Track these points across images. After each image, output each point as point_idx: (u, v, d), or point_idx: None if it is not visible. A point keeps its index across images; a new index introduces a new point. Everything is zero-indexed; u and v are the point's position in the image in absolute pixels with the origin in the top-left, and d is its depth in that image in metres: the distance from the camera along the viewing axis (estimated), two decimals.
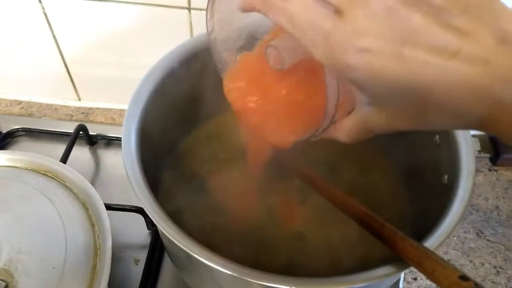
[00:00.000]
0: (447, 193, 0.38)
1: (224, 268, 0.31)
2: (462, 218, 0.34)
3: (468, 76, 0.21)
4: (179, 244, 0.32)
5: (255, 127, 0.38)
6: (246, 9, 0.28)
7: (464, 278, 0.26)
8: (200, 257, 0.31)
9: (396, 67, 0.22)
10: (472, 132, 0.41)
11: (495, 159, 0.39)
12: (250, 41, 0.37)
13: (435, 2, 0.22)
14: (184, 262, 0.42)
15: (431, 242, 0.32)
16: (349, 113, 0.29)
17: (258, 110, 0.37)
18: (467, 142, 0.39)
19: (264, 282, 0.30)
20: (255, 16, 0.29)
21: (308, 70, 0.34)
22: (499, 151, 0.38)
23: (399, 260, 0.32)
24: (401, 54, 0.22)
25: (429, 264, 0.29)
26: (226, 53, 0.38)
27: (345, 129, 0.30)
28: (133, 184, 0.35)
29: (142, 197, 0.34)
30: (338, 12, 0.23)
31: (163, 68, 0.44)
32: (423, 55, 0.22)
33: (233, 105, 0.38)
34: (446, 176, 0.40)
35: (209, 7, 0.33)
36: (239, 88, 0.38)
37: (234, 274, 0.30)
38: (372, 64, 0.22)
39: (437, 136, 0.43)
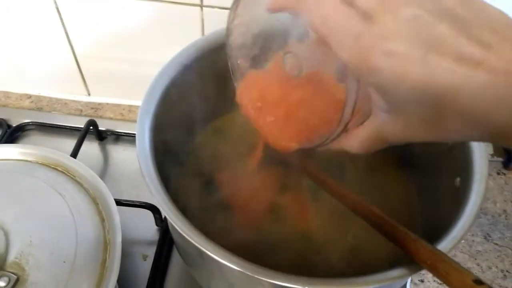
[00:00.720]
0: (459, 196, 0.38)
1: (237, 266, 0.31)
2: (474, 222, 0.34)
3: (491, 84, 0.22)
4: (192, 241, 0.32)
5: (263, 132, 0.40)
6: (275, 9, 0.29)
7: (478, 282, 0.27)
8: (214, 254, 0.32)
9: (421, 72, 0.22)
10: None
11: (507, 163, 0.39)
12: (264, 52, 0.38)
13: (461, 15, 0.23)
14: (195, 259, 0.42)
15: (444, 245, 0.32)
16: (362, 124, 0.29)
17: (267, 119, 0.39)
18: (480, 145, 0.39)
19: (277, 281, 0.30)
20: (273, 25, 0.29)
21: (318, 84, 0.35)
22: None
23: (412, 262, 0.32)
24: (427, 59, 0.22)
25: (443, 267, 0.29)
26: (240, 60, 0.38)
27: (358, 139, 0.30)
28: (147, 181, 0.35)
29: (157, 194, 0.35)
30: (367, 17, 0.24)
31: (176, 65, 0.45)
32: (448, 62, 0.22)
33: (244, 113, 0.40)
34: (458, 179, 0.40)
35: (233, 9, 0.34)
36: (251, 99, 0.38)
37: (247, 273, 0.31)
38: (398, 68, 0.23)
39: None
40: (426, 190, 0.48)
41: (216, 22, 0.58)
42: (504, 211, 0.64)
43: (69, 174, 0.54)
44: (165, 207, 0.34)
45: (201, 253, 0.33)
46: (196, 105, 0.51)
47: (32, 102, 0.73)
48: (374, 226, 0.36)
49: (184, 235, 0.33)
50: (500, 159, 0.39)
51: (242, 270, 0.31)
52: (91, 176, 0.53)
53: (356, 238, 0.46)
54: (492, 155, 0.39)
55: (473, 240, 0.61)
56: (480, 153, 0.39)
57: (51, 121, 0.68)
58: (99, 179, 0.53)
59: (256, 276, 0.31)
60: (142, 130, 0.39)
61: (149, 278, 0.52)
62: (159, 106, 0.43)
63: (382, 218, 0.35)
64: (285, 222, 0.48)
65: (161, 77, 0.43)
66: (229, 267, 0.32)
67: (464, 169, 0.39)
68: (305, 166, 0.49)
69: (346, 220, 0.47)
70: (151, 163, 0.37)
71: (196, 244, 0.32)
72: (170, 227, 0.47)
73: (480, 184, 0.36)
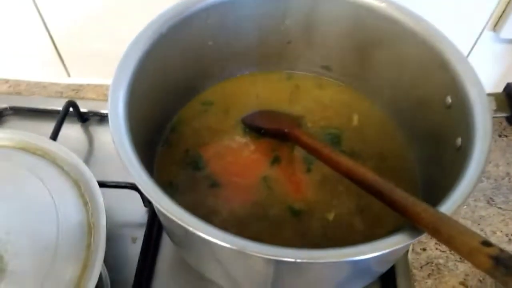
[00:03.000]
0: (460, 157, 0.36)
1: (221, 241, 0.28)
2: (479, 181, 0.31)
3: None
4: (172, 217, 0.30)
5: None
6: None
7: (486, 243, 0.24)
8: (196, 230, 0.29)
9: None
10: (488, 90, 0.38)
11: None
12: None
13: None
14: (181, 238, 0.39)
15: (447, 208, 0.30)
16: None
17: None
18: (482, 101, 0.36)
19: (265, 255, 0.28)
20: None
21: None
22: None
23: (412, 228, 0.30)
24: None
25: (447, 231, 0.26)
26: None
27: None
28: (120, 153, 0.32)
29: (129, 166, 0.32)
30: None
31: (151, 33, 0.41)
32: None
33: None
34: (459, 139, 0.37)
35: None
36: None
37: (232, 247, 0.28)
38: None
39: (448, 97, 0.40)
40: (425, 153, 0.45)
41: None
42: (507, 173, 0.62)
43: (48, 158, 0.51)
44: (139, 179, 0.31)
45: (185, 230, 0.30)
46: (178, 77, 0.48)
47: (10, 86, 0.70)
48: (371, 192, 0.33)
49: (161, 209, 0.30)
50: (504, 114, 0.36)
51: (228, 246, 0.29)
52: (72, 158, 0.50)
53: (355, 207, 0.44)
54: (495, 111, 0.36)
55: (475, 205, 0.59)
56: (482, 109, 0.36)
57: (30, 105, 0.64)
58: (80, 161, 0.50)
59: (242, 251, 0.28)
60: (115, 103, 0.36)
61: (139, 261, 0.50)
62: (134, 78, 0.39)
63: (379, 182, 0.33)
64: (278, 195, 0.46)
65: (135, 46, 0.40)
66: (215, 243, 0.29)
67: (465, 127, 0.36)
68: (298, 135, 0.46)
69: (343, 190, 0.45)
70: (126, 136, 0.34)
71: (176, 220, 0.29)
72: (154, 206, 0.45)
73: (483, 141, 0.34)
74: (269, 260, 0.28)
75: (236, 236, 0.29)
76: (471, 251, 0.24)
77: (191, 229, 0.29)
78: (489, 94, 0.37)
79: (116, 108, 0.36)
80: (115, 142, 0.34)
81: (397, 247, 0.28)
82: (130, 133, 0.36)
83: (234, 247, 0.28)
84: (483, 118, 0.35)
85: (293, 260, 0.27)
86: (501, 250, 0.23)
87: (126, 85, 0.38)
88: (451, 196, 0.31)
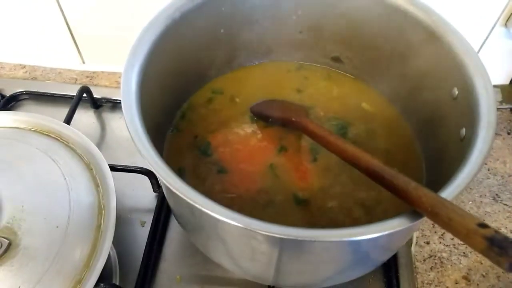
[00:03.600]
0: (464, 147, 0.36)
1: (227, 218, 0.29)
2: (480, 169, 0.32)
3: None
4: (180, 194, 0.31)
5: None
6: None
7: (483, 225, 0.25)
8: (203, 207, 0.30)
9: None
10: (494, 82, 0.38)
11: None
12: None
13: None
14: (188, 219, 0.40)
15: (448, 192, 0.30)
16: None
17: None
18: (487, 92, 0.37)
19: (267, 232, 0.28)
20: None
21: None
22: None
23: (413, 212, 0.30)
24: None
25: (445, 213, 0.27)
26: None
27: None
28: (130, 129, 0.33)
29: (138, 141, 0.33)
30: None
31: (164, 18, 0.42)
32: None
33: None
34: (464, 130, 0.38)
35: None
36: None
37: (237, 224, 0.29)
38: None
39: (455, 89, 0.41)
40: (431, 144, 0.46)
41: None
42: None
43: (62, 140, 0.52)
44: (148, 155, 0.32)
45: (192, 209, 0.31)
46: (189, 63, 0.49)
47: (26, 72, 0.72)
48: (374, 178, 0.34)
49: (169, 185, 0.31)
50: (510, 105, 0.36)
51: (234, 223, 0.29)
52: (85, 142, 0.51)
53: (359, 197, 0.45)
54: (501, 102, 0.36)
55: (481, 201, 0.59)
56: (488, 100, 0.36)
57: (45, 90, 0.66)
58: (92, 144, 0.51)
59: (249, 229, 0.29)
60: (128, 84, 0.37)
61: (147, 244, 0.51)
62: (147, 61, 0.40)
63: (382, 167, 0.33)
64: (284, 183, 0.46)
65: (148, 31, 0.41)
66: (221, 220, 0.30)
67: (470, 118, 0.37)
68: (305, 124, 0.47)
69: (346, 180, 0.46)
70: (136, 113, 0.35)
71: (184, 197, 0.30)
72: (162, 186, 0.46)
73: (487, 131, 0.34)
74: (272, 238, 0.29)
75: (241, 214, 0.30)
76: (468, 233, 0.25)
77: (197, 206, 0.30)
78: (495, 86, 0.38)
79: (129, 92, 0.37)
80: (126, 118, 0.35)
81: (396, 229, 0.28)
82: (141, 114, 0.37)
83: (239, 224, 0.29)
84: (488, 109, 0.35)
85: (293, 238, 0.28)
86: (496, 232, 0.24)
87: (139, 67, 0.39)
88: (453, 183, 0.31)
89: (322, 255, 0.34)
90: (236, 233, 0.34)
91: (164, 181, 0.31)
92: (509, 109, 0.37)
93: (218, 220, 0.30)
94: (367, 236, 0.28)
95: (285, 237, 0.28)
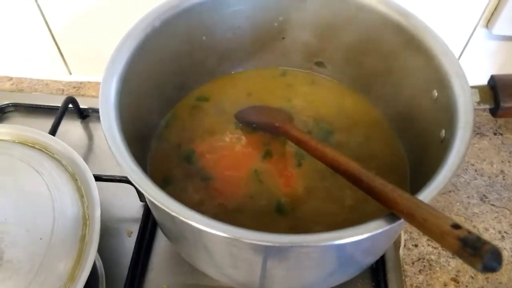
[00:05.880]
0: (444, 148, 0.36)
1: (206, 227, 0.29)
2: (458, 168, 0.32)
3: None
4: (158, 204, 0.30)
5: None
6: None
7: (456, 226, 0.25)
8: (185, 218, 0.30)
9: None
10: (471, 83, 0.38)
11: (495, 110, 0.36)
12: None
13: None
14: (172, 230, 0.40)
15: (426, 194, 0.30)
16: None
17: None
18: (465, 93, 0.37)
19: (246, 239, 0.28)
20: None
21: None
22: (499, 101, 0.36)
23: (391, 215, 0.30)
24: None
25: (420, 214, 0.27)
26: None
27: None
28: (108, 141, 0.33)
29: (116, 151, 0.33)
30: None
31: (144, 26, 0.42)
32: None
33: None
34: (443, 131, 0.38)
35: None
36: None
37: (214, 232, 0.29)
38: None
39: (435, 91, 0.41)
40: (413, 147, 0.46)
41: None
42: (502, 171, 0.62)
43: (47, 152, 0.52)
44: (126, 168, 0.32)
45: (172, 217, 0.31)
46: (171, 72, 0.49)
47: (13, 84, 0.71)
48: (353, 181, 0.34)
49: (150, 197, 0.31)
50: (487, 106, 0.37)
51: (217, 233, 0.29)
52: (69, 153, 0.51)
53: (344, 203, 0.45)
54: (479, 103, 0.36)
55: (469, 202, 0.59)
56: (465, 100, 0.36)
57: (31, 102, 0.66)
58: (77, 155, 0.51)
59: (233, 237, 0.29)
60: (107, 92, 0.37)
61: (134, 254, 0.51)
62: (126, 71, 0.40)
63: (361, 171, 0.33)
64: (268, 188, 0.46)
65: (127, 40, 0.41)
66: (203, 231, 0.30)
67: (449, 119, 0.37)
68: (287, 129, 0.47)
69: (330, 185, 0.46)
70: (116, 127, 0.35)
71: (160, 205, 0.30)
72: (144, 196, 0.46)
73: (464, 132, 0.34)
74: (251, 245, 0.29)
75: (219, 222, 0.30)
76: (442, 234, 0.25)
77: (180, 217, 0.29)
78: (473, 87, 0.38)
79: (107, 99, 0.37)
80: (105, 132, 0.35)
81: (373, 232, 0.28)
82: (122, 126, 0.37)
83: (216, 232, 0.29)
84: (465, 109, 0.35)
85: (271, 244, 0.28)
86: (469, 232, 0.24)
87: (118, 76, 0.39)
88: (430, 185, 0.31)
89: (304, 261, 0.34)
90: (217, 241, 0.34)
91: (141, 190, 0.31)
92: (488, 110, 0.37)
93: (198, 229, 0.30)
94: (344, 240, 0.28)
95: (260, 243, 0.28)
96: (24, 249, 0.42)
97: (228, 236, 0.29)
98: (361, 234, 0.28)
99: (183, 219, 0.29)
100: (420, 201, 0.28)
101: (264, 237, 0.28)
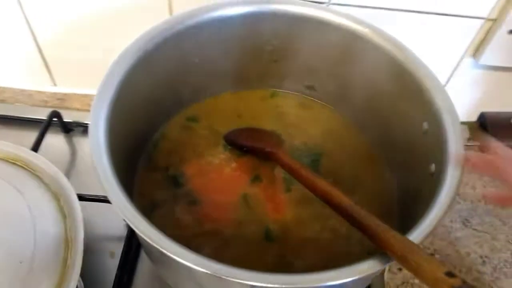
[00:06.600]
0: (434, 183, 0.37)
1: (195, 265, 0.29)
2: (450, 208, 0.32)
3: None
4: (148, 240, 0.30)
5: None
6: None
7: (450, 274, 0.25)
8: (172, 254, 0.29)
9: None
10: (462, 119, 0.39)
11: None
12: None
13: None
14: (158, 257, 0.39)
15: (417, 235, 0.31)
16: None
17: None
18: (455, 130, 0.37)
19: (238, 279, 0.28)
20: None
21: None
22: None
23: (382, 254, 0.30)
24: None
25: (413, 259, 0.27)
26: None
27: None
28: (99, 172, 0.33)
29: (107, 186, 0.32)
30: None
31: (135, 50, 0.42)
32: None
33: None
34: (433, 165, 0.38)
35: None
36: None
37: (205, 271, 0.28)
38: None
39: (425, 123, 0.41)
40: (402, 178, 0.46)
41: (184, 2, 0.54)
42: (484, 196, 0.63)
43: (28, 169, 0.50)
44: (115, 200, 0.31)
45: (161, 253, 0.31)
46: (162, 93, 0.49)
47: None
48: (344, 216, 0.34)
49: (138, 232, 0.30)
50: (477, 143, 0.37)
51: (203, 270, 0.29)
52: (52, 171, 0.50)
53: (334, 229, 0.45)
54: (469, 139, 0.37)
55: (451, 227, 0.60)
56: (456, 137, 0.37)
57: (14, 113, 0.64)
58: (61, 173, 0.49)
59: (217, 275, 0.28)
60: (96, 120, 0.36)
61: (116, 276, 0.49)
62: (117, 96, 0.39)
63: (353, 208, 0.33)
64: (257, 214, 0.46)
65: (119, 63, 0.41)
66: (190, 267, 0.29)
67: (439, 153, 0.37)
68: (278, 156, 0.47)
69: (320, 211, 0.46)
70: (105, 156, 0.34)
71: (150, 242, 0.30)
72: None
73: (455, 168, 0.35)
74: (241, 284, 0.29)
75: (209, 260, 0.29)
76: (435, 281, 0.25)
77: (167, 253, 0.29)
78: (463, 123, 0.38)
79: (97, 124, 0.36)
80: (93, 156, 0.34)
81: (367, 273, 0.28)
82: (111, 151, 0.36)
83: (206, 271, 0.29)
84: (456, 146, 0.36)
85: (259, 284, 0.28)
86: (464, 282, 0.24)
87: (108, 104, 0.38)
88: (420, 225, 0.31)
89: None
90: (204, 276, 0.33)
91: (131, 225, 0.31)
92: (476, 147, 0.37)
93: (186, 265, 0.29)
94: (335, 282, 0.28)
95: (245, 282, 0.28)
96: (3, 273, 0.41)
97: (210, 272, 0.28)
98: (354, 275, 0.28)
99: (168, 253, 0.29)
100: (414, 244, 0.28)
101: (249, 276, 0.28)
